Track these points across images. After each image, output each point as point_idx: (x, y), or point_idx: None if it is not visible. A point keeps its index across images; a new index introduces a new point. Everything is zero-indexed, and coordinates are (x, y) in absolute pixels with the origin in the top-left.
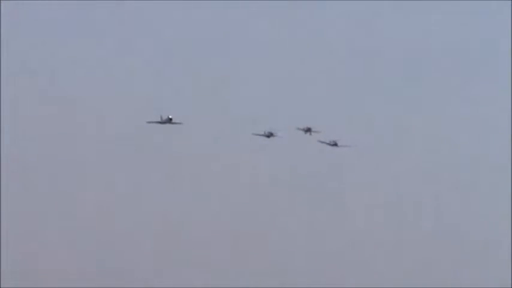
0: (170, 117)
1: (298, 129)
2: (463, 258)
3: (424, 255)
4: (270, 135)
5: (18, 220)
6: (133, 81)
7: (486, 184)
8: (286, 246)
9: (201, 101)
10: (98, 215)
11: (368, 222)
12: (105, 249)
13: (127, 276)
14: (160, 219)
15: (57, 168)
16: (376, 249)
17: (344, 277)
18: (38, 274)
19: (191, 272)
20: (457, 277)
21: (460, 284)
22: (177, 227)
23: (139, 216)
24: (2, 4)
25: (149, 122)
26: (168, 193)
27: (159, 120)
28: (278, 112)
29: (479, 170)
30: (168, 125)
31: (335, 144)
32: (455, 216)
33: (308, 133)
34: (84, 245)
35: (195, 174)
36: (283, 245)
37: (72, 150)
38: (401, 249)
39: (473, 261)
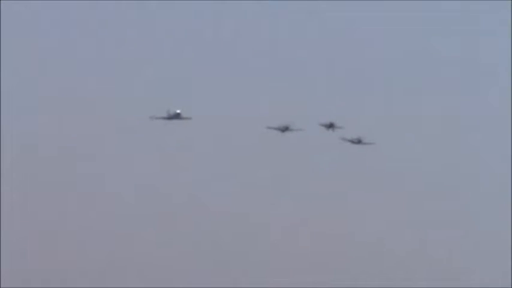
0: (178, 111)
1: (320, 124)
2: (464, 258)
3: (427, 254)
4: (285, 129)
5: (18, 220)
6: (137, 75)
7: (492, 184)
8: (289, 244)
9: (217, 96)
10: (100, 213)
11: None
12: (107, 249)
13: (128, 277)
14: (165, 217)
15: (57, 168)
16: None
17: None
18: (38, 274)
19: (197, 270)
20: (457, 276)
21: (460, 283)
22: (182, 226)
23: (142, 215)
24: (1, 4)
25: (153, 118)
26: (174, 192)
27: (165, 115)
28: (299, 107)
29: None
30: (175, 121)
31: (359, 142)
32: (462, 215)
33: (331, 129)
34: (85, 245)
35: (204, 174)
36: (287, 242)
37: (73, 149)
38: (406, 248)
39: (473, 260)
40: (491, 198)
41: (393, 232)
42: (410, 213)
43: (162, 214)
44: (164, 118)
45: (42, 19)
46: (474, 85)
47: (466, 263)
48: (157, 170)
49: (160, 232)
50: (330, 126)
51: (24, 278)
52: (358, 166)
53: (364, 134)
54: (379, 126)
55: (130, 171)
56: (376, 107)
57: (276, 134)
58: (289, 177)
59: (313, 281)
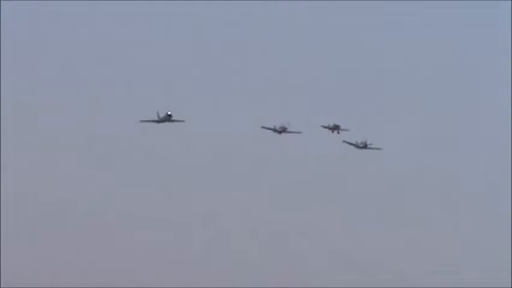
0: (169, 113)
1: (323, 127)
2: (463, 257)
3: (427, 254)
4: (282, 130)
5: (18, 222)
6: (127, 77)
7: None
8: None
9: (216, 98)
10: (93, 216)
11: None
12: (103, 251)
13: (126, 277)
14: (158, 220)
15: (52, 171)
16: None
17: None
18: (38, 274)
19: (192, 273)
20: (457, 276)
21: (460, 283)
22: (176, 228)
23: (133, 218)
24: (1, 4)
25: (143, 121)
26: (165, 196)
27: (155, 118)
28: (303, 108)
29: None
30: (166, 124)
31: (364, 146)
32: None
33: (335, 132)
34: (82, 248)
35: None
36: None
37: (65, 154)
38: (406, 249)
39: (473, 260)
40: (491, 198)
41: (393, 232)
42: (409, 213)
43: (154, 216)
44: (154, 121)
45: (42, 19)
46: (475, 85)
47: (466, 263)
48: (151, 174)
49: (156, 234)
50: (335, 128)
51: (24, 278)
52: (362, 173)
53: (371, 137)
54: (387, 130)
55: (123, 175)
56: (382, 109)
57: (271, 136)
58: (284, 182)
59: (312, 284)
